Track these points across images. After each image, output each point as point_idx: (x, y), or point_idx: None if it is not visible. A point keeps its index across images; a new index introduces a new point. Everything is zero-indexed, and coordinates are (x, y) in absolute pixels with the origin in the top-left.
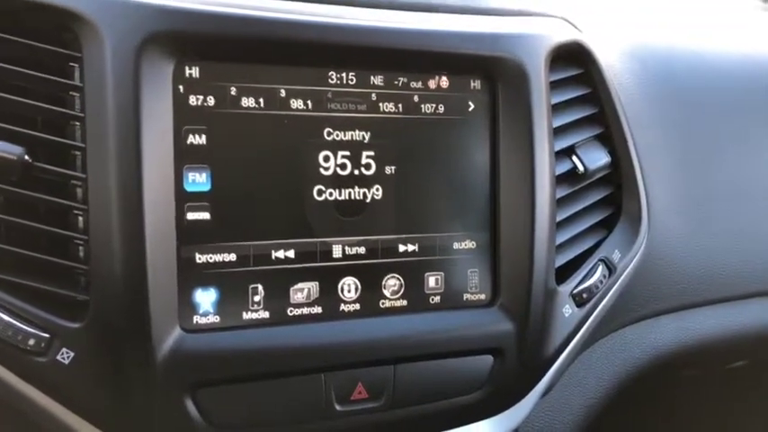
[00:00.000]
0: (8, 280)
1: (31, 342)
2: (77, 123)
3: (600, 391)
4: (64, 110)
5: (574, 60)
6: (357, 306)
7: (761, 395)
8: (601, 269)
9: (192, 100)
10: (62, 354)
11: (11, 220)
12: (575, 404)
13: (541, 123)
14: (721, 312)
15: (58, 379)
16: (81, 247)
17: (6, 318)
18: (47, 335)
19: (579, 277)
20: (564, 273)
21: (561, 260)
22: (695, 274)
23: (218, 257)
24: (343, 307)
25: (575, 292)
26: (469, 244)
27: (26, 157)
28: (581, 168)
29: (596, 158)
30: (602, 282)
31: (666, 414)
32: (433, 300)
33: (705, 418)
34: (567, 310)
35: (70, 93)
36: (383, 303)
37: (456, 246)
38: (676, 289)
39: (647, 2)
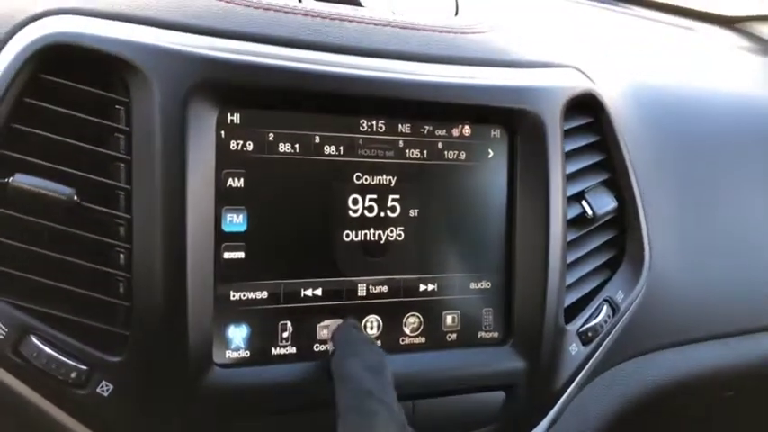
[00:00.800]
0: (51, 314)
1: (73, 375)
2: (122, 164)
3: (600, 422)
4: (110, 152)
5: (585, 109)
6: (379, 343)
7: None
8: (605, 309)
9: (233, 145)
10: (102, 386)
11: (57, 256)
12: (577, 429)
13: (556, 170)
14: (715, 347)
15: (97, 411)
16: (122, 284)
17: (49, 350)
18: (86, 367)
19: (585, 316)
20: (571, 312)
21: (569, 300)
22: (692, 312)
23: (251, 295)
24: None
25: (581, 330)
26: (485, 284)
27: (75, 198)
28: (590, 213)
29: (604, 203)
30: (606, 321)
31: None
32: (449, 337)
33: None
34: (574, 348)
35: (116, 135)
36: (403, 340)
37: (472, 286)
38: (674, 326)
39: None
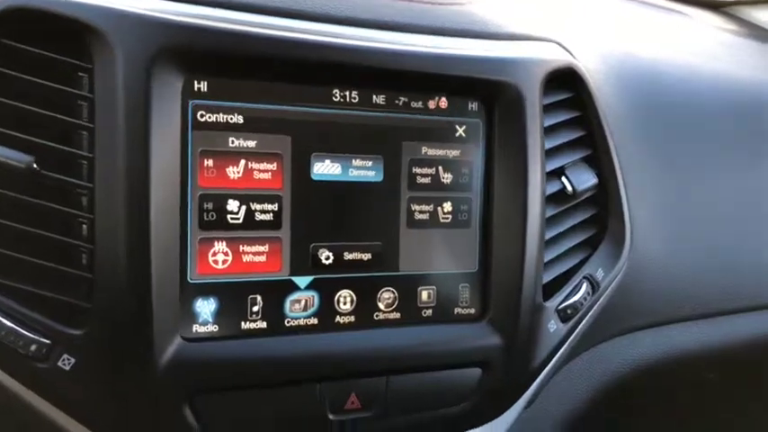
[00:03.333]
0: (11, 286)
1: (33, 348)
2: (85, 133)
3: (580, 402)
4: (72, 119)
5: (566, 84)
6: (352, 318)
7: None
8: (585, 286)
9: (200, 114)
10: (63, 360)
11: (16, 226)
12: (556, 414)
13: (535, 145)
14: (696, 328)
15: (58, 385)
16: (85, 255)
17: (9, 323)
18: (48, 341)
19: (564, 294)
20: (550, 289)
21: (548, 277)
22: (673, 291)
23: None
24: (338, 319)
25: (560, 307)
26: (461, 259)
27: (34, 165)
28: (570, 189)
29: (584, 180)
30: (586, 298)
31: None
32: (425, 313)
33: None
34: (553, 325)
35: (78, 102)
36: (377, 316)
37: (448, 260)
38: (655, 305)
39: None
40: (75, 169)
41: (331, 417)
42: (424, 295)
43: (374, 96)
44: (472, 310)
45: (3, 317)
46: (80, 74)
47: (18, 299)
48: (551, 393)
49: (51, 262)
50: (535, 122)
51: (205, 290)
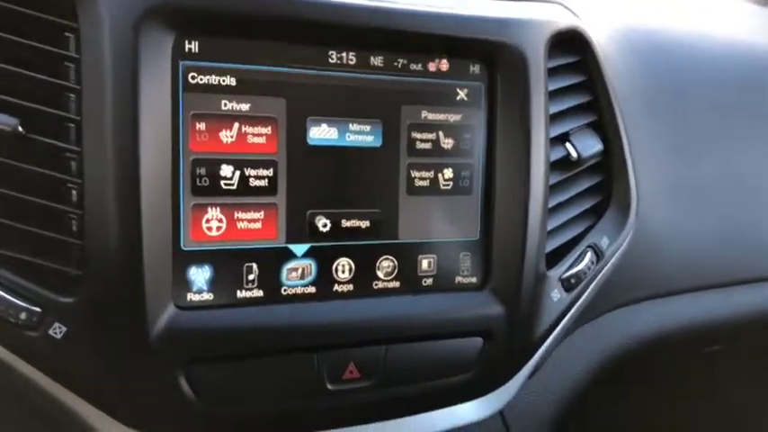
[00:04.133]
0: (5, 255)
1: (23, 316)
2: (72, 95)
3: (582, 374)
4: (59, 80)
5: (571, 47)
6: (350, 287)
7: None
8: (589, 255)
9: (191, 75)
10: (54, 328)
11: (4, 192)
12: (558, 386)
13: (539, 109)
14: (701, 299)
15: (49, 353)
16: (75, 222)
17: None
18: (39, 309)
19: (568, 263)
20: (553, 258)
21: (551, 245)
22: (679, 262)
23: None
24: (336, 287)
25: (563, 277)
26: (463, 227)
27: (20, 129)
28: (574, 155)
29: (589, 146)
30: (590, 267)
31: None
32: (425, 282)
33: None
34: (556, 294)
35: (65, 63)
36: (376, 285)
37: (449, 228)
38: (660, 276)
39: None
40: (63, 133)
41: (329, 386)
42: (425, 264)
43: (372, 58)
44: (474, 279)
45: None
46: (66, 34)
47: (7, 266)
48: (553, 366)
49: (40, 228)
50: (539, 86)
51: (199, 257)
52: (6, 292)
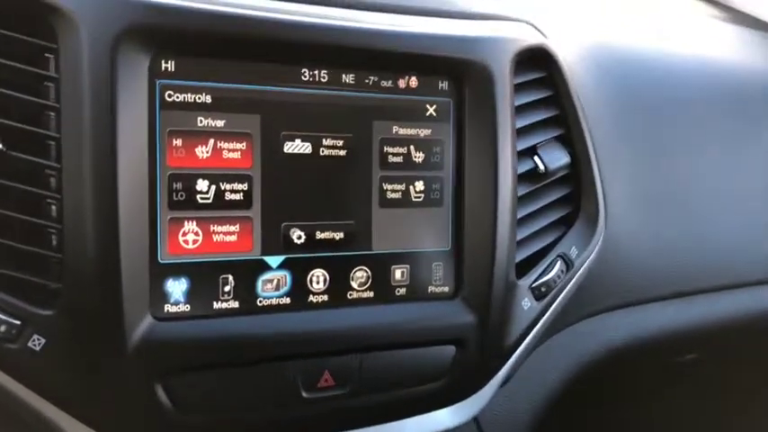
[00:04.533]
0: None
1: (2, 328)
2: (52, 113)
3: (556, 382)
4: (39, 100)
5: (537, 64)
6: (325, 297)
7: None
8: (559, 264)
9: (168, 94)
10: (33, 340)
11: None
12: (532, 393)
13: (506, 124)
14: (672, 307)
15: (29, 365)
16: (54, 236)
17: None
18: (18, 321)
19: (538, 272)
20: (524, 267)
21: (521, 255)
22: (648, 270)
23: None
24: (311, 298)
25: (534, 285)
26: (434, 238)
27: (1, 147)
28: (542, 168)
29: (557, 158)
30: (559, 276)
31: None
32: (398, 292)
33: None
34: (527, 303)
35: (45, 83)
36: (350, 295)
37: (421, 239)
38: (630, 285)
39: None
40: (43, 150)
41: (305, 394)
42: (398, 274)
43: (344, 75)
44: (446, 288)
45: None
46: (46, 54)
47: None
48: (527, 373)
49: (20, 243)
50: (505, 101)
51: (176, 270)
52: None
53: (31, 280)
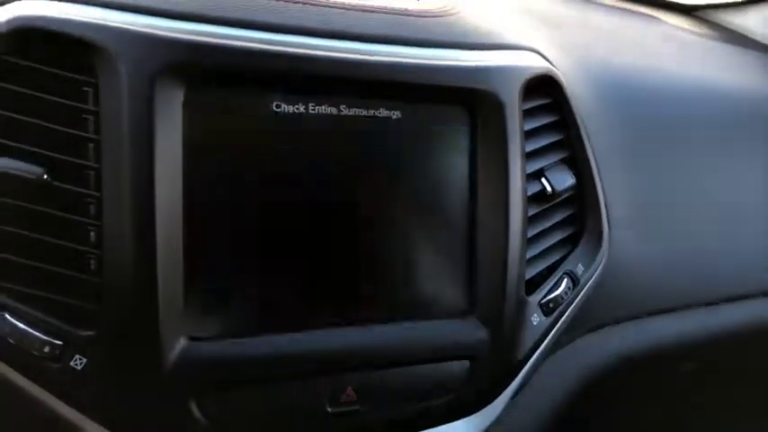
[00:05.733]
0: (24, 291)
1: (46, 349)
2: (92, 144)
3: (562, 394)
4: (79, 132)
5: (544, 90)
6: (344, 317)
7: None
8: (566, 281)
9: (200, 124)
10: (75, 360)
11: (28, 235)
12: (541, 405)
13: (516, 148)
14: (675, 321)
15: (71, 384)
16: (93, 261)
17: (23, 326)
18: (60, 342)
19: (546, 288)
20: (533, 285)
21: (530, 273)
22: (650, 285)
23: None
24: (332, 318)
25: (542, 302)
26: (449, 258)
27: (45, 177)
28: (549, 189)
29: (563, 180)
30: (567, 293)
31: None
32: (415, 311)
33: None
34: (536, 318)
35: (84, 116)
36: (372, 314)
37: (437, 260)
38: (633, 299)
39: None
40: (84, 179)
41: (329, 409)
42: (414, 293)
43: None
44: (460, 307)
45: (17, 320)
46: (85, 88)
47: (31, 304)
48: (536, 386)
49: (61, 268)
50: (515, 126)
51: (209, 291)
52: (31, 327)
53: (71, 302)
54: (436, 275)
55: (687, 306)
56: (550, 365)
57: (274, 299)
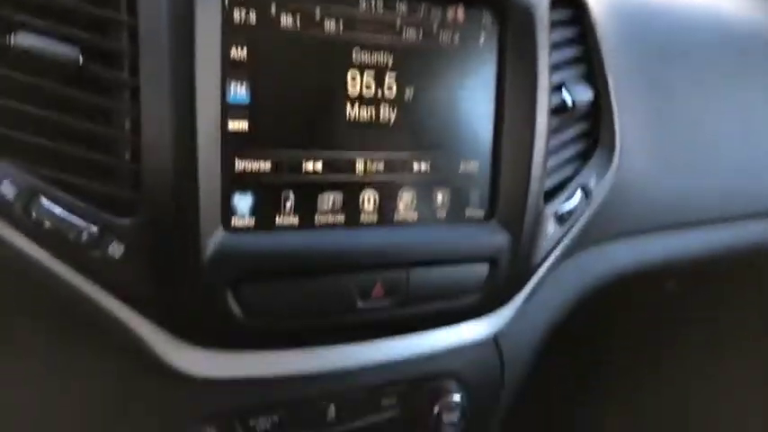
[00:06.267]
0: (60, 177)
1: (84, 235)
2: (128, 29)
3: (563, 305)
4: (116, 16)
5: (568, 3)
6: (375, 217)
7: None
8: (579, 194)
9: (237, 17)
10: (113, 247)
11: (62, 119)
12: (542, 314)
13: (544, 58)
14: (676, 237)
15: (108, 271)
16: (130, 148)
17: (59, 211)
18: (99, 229)
19: (562, 200)
20: (548, 195)
21: (548, 184)
22: (658, 201)
23: (254, 165)
24: (363, 217)
25: (557, 212)
26: (474, 165)
27: (80, 60)
28: (569, 102)
29: (582, 94)
30: (579, 205)
31: (620, 327)
32: (439, 214)
33: (655, 331)
34: (551, 227)
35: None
36: (397, 215)
37: (462, 166)
38: (639, 214)
39: None
40: (120, 64)
41: (359, 303)
42: (440, 197)
43: (398, 3)
44: (482, 212)
45: (54, 205)
46: None
47: (68, 190)
48: (546, 290)
49: (97, 153)
50: (544, 36)
51: (243, 185)
52: (68, 213)
53: (108, 190)
54: (460, 180)
55: (690, 224)
56: (560, 272)
57: (308, 196)
